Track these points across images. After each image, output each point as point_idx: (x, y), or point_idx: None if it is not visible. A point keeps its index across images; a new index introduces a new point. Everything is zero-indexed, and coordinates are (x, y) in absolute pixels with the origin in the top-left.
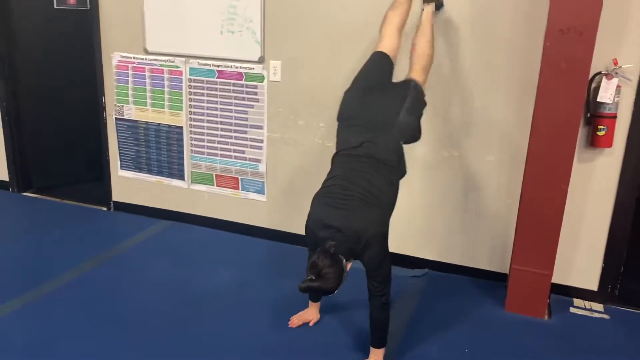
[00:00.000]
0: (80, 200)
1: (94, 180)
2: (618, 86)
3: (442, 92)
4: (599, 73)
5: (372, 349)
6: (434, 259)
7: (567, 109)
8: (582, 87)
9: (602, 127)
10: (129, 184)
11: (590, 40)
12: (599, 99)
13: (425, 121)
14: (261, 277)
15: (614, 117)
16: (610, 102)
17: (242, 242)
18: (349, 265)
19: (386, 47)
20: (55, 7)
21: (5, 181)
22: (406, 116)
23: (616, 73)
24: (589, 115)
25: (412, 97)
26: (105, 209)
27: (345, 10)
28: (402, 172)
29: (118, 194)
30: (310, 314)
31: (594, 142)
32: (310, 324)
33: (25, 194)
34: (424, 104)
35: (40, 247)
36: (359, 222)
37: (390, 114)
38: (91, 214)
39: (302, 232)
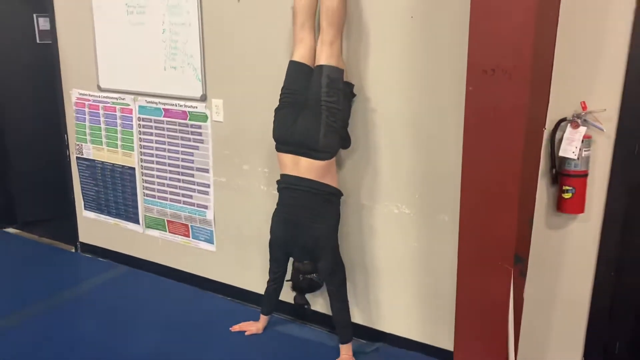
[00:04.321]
0: (56, 239)
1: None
2: (587, 137)
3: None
4: (564, 120)
5: (341, 345)
6: (388, 332)
7: (500, 169)
8: (517, 140)
9: (567, 187)
10: (92, 225)
11: (522, 82)
12: (560, 153)
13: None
14: (195, 345)
15: (584, 175)
16: (575, 156)
17: (192, 296)
18: None
19: (300, 53)
20: (37, 41)
21: None
22: (324, 139)
23: (585, 120)
24: (554, 171)
25: (326, 106)
26: (73, 250)
27: (283, 50)
28: (336, 191)
29: (84, 235)
30: (254, 325)
31: (560, 206)
32: (247, 333)
33: (7, 229)
34: (343, 100)
35: None
36: (310, 239)
37: (313, 138)
38: (58, 255)
39: (252, 288)
